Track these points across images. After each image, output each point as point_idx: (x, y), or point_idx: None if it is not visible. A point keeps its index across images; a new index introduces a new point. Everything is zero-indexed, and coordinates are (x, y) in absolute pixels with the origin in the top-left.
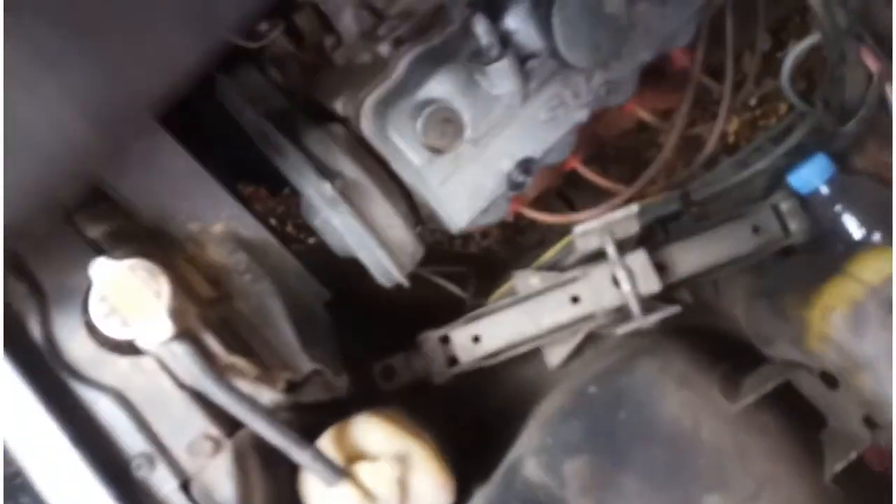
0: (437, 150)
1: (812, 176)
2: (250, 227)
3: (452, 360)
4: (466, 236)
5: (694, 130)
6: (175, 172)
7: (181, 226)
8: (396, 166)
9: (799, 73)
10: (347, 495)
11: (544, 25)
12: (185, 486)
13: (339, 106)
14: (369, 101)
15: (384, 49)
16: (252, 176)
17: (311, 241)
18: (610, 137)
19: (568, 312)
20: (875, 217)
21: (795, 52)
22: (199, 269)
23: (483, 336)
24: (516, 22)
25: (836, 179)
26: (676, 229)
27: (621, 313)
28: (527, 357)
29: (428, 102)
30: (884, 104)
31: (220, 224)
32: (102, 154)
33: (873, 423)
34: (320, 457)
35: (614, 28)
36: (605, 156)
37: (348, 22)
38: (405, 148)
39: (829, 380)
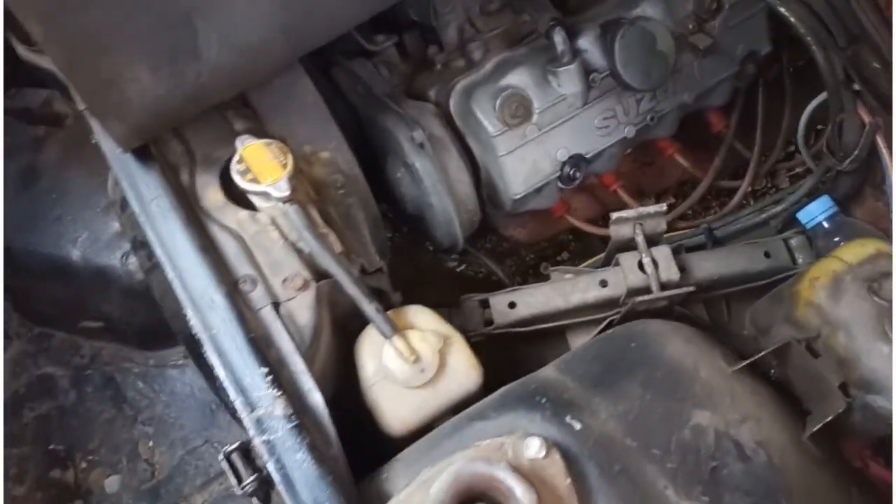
0: (508, 126)
1: (817, 212)
2: (349, 163)
3: (488, 323)
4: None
5: (725, 183)
6: (303, 101)
7: (298, 145)
8: (471, 139)
9: None
10: (397, 350)
11: (608, 49)
12: (276, 306)
13: (433, 93)
14: (459, 85)
15: (477, 54)
16: None
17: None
18: (654, 190)
19: (595, 293)
20: None
21: (810, 108)
22: (305, 178)
23: (518, 304)
24: (586, 43)
25: (837, 217)
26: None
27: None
28: (552, 344)
29: (507, 87)
30: (876, 153)
31: (328, 152)
32: (277, 63)
33: (847, 391)
34: (383, 311)
35: (663, 62)
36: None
37: (452, 33)
38: (483, 119)
39: (813, 351)
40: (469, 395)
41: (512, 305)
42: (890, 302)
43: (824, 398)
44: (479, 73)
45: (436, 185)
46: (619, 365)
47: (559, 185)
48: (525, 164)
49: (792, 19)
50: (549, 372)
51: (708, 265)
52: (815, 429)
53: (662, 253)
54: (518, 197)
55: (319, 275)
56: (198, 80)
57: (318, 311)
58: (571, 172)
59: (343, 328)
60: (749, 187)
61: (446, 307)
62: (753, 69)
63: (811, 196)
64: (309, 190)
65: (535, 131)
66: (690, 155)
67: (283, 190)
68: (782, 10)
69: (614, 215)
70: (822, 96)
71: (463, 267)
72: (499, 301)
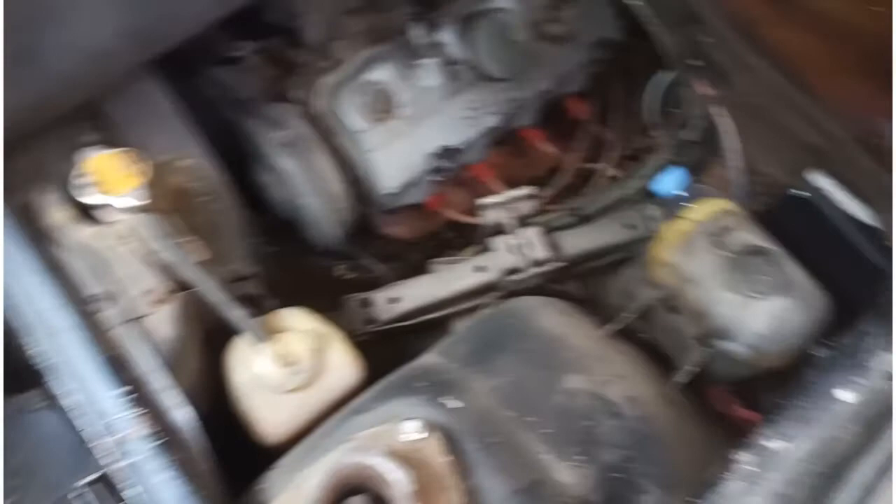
0: (375, 121)
1: (669, 182)
2: (211, 171)
3: (370, 322)
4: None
5: (592, 166)
6: (161, 110)
7: (156, 153)
8: (340, 135)
9: None
10: (270, 355)
11: (467, 41)
12: (133, 322)
13: (299, 94)
14: (324, 83)
15: (341, 53)
16: None
17: None
18: (526, 180)
19: (474, 279)
20: None
21: (654, 82)
22: (164, 187)
23: (401, 298)
24: (447, 36)
25: (688, 185)
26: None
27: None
28: (438, 335)
29: (372, 83)
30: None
31: (188, 160)
32: (126, 68)
33: (704, 341)
34: (251, 317)
35: (520, 53)
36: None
37: (315, 34)
38: (349, 115)
39: (673, 309)
40: (350, 391)
41: (394, 300)
42: (734, 253)
43: (686, 351)
44: (343, 70)
45: (303, 185)
46: (494, 342)
47: (432, 177)
48: (395, 158)
49: (635, 2)
50: (428, 357)
51: (576, 241)
52: (680, 380)
53: (532, 233)
54: (391, 192)
55: (182, 286)
56: (41, 86)
57: (181, 324)
58: (442, 164)
59: (214, 341)
60: (612, 168)
61: (332, 312)
62: (607, 55)
63: (664, 168)
64: (168, 199)
65: (402, 125)
66: (558, 142)
67: (139, 199)
68: None
69: (482, 201)
70: (665, 75)
71: (353, 274)
72: (380, 297)
